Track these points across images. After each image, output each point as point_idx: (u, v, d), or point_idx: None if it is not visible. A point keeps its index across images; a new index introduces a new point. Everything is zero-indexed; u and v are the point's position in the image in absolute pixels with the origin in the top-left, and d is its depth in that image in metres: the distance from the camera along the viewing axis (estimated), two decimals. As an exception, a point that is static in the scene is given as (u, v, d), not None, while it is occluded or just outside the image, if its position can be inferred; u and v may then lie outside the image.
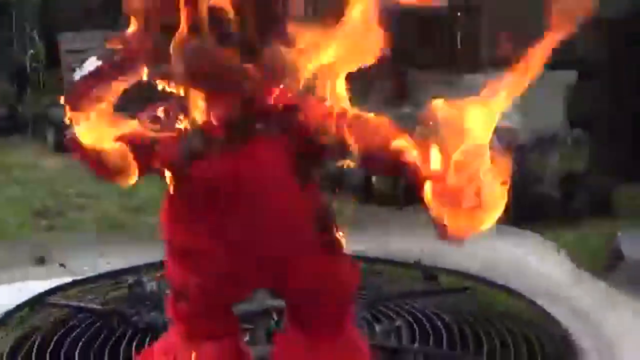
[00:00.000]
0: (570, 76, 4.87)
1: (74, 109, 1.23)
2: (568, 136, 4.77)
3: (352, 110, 1.31)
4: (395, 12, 1.32)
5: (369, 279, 1.98)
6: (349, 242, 1.43)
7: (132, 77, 1.24)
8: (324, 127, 1.27)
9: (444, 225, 1.24)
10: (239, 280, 1.42)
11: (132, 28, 1.25)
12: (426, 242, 1.97)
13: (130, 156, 1.27)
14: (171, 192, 1.35)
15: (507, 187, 1.26)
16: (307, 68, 1.25)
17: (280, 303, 1.61)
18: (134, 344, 1.75)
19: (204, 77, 1.24)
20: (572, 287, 2.06)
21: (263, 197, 1.33)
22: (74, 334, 1.82)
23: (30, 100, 7.02)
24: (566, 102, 4.88)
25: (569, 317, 1.87)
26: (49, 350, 1.74)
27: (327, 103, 1.29)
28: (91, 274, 2.21)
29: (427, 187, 1.24)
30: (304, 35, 1.25)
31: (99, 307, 1.97)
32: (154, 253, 1.89)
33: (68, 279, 2.17)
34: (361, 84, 1.39)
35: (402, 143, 1.28)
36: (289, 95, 1.29)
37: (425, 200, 1.24)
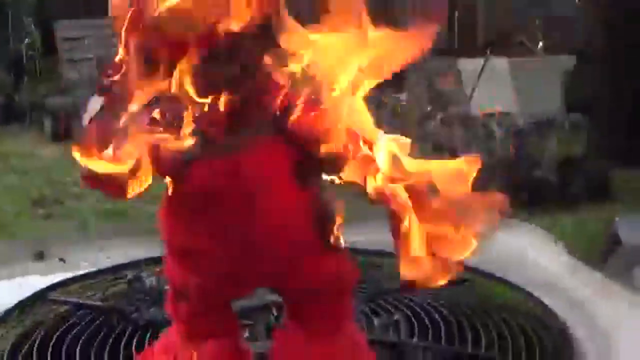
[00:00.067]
0: (568, 61, 4.86)
1: (89, 153, 1.23)
2: (566, 121, 4.78)
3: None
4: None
5: (368, 272, 1.99)
6: (348, 234, 1.44)
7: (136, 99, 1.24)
8: (322, 137, 1.27)
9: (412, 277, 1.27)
10: (239, 280, 1.42)
11: (121, 54, 1.25)
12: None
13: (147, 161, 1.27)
14: (170, 193, 1.36)
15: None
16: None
17: (279, 298, 1.62)
18: (134, 341, 1.76)
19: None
20: (569, 279, 2.07)
21: (263, 198, 1.34)
22: (74, 331, 1.82)
23: (27, 88, 7.02)
24: (564, 86, 4.89)
25: (565, 309, 1.88)
26: (49, 348, 1.75)
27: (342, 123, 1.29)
28: (91, 269, 2.22)
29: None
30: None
31: (98, 303, 1.98)
32: (154, 245, 1.89)
33: (68, 274, 2.18)
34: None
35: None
36: (291, 98, 1.29)
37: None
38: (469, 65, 5.20)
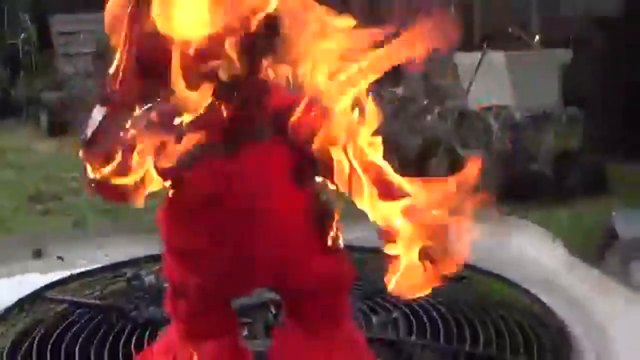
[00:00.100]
0: (565, 54, 4.86)
1: (96, 163, 1.23)
2: (562, 114, 4.78)
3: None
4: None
5: (366, 270, 1.99)
6: (345, 231, 1.45)
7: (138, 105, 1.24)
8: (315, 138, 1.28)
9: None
10: (239, 280, 1.43)
11: (117, 64, 1.25)
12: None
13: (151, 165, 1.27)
14: (170, 195, 1.36)
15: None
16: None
17: (278, 296, 1.63)
18: (134, 339, 1.76)
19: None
20: (566, 276, 2.08)
21: (262, 199, 1.35)
22: (73, 329, 1.83)
23: (23, 83, 7.01)
24: (561, 80, 4.88)
25: (562, 306, 1.89)
26: (49, 346, 1.75)
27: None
28: (90, 267, 2.22)
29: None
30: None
31: (97, 302, 1.98)
32: (153, 243, 1.89)
33: (66, 272, 2.18)
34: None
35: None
36: (287, 99, 1.30)
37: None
38: (465, 59, 5.20)
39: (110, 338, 1.78)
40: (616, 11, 4.52)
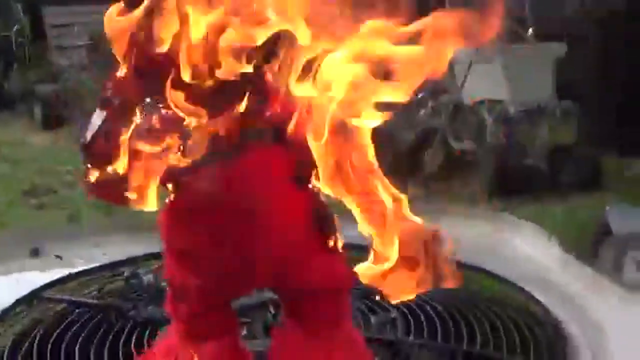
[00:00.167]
0: (559, 48, 4.85)
1: (96, 165, 1.24)
2: (557, 108, 4.78)
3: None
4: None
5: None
6: (343, 229, 1.46)
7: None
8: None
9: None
10: (239, 281, 1.44)
11: (123, 70, 1.26)
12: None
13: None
14: (171, 198, 1.38)
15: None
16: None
17: (277, 296, 1.64)
18: (133, 339, 1.78)
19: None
20: (560, 273, 2.10)
21: (262, 201, 1.36)
22: (73, 328, 1.84)
23: (16, 75, 6.98)
24: (555, 74, 4.88)
25: (557, 304, 1.91)
26: (49, 345, 1.76)
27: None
28: (88, 266, 2.22)
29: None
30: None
31: (96, 301, 1.99)
32: (150, 241, 1.90)
33: (65, 271, 2.18)
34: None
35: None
36: (285, 105, 1.31)
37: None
38: (459, 53, 5.19)
39: (110, 337, 1.79)
40: (614, 8, 4.52)
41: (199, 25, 1.19)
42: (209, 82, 1.22)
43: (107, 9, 1.27)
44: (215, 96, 1.23)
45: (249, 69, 1.22)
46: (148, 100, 1.25)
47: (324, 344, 1.48)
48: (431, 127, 4.91)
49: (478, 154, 4.80)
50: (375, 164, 1.33)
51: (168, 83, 1.20)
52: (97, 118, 1.26)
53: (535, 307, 1.92)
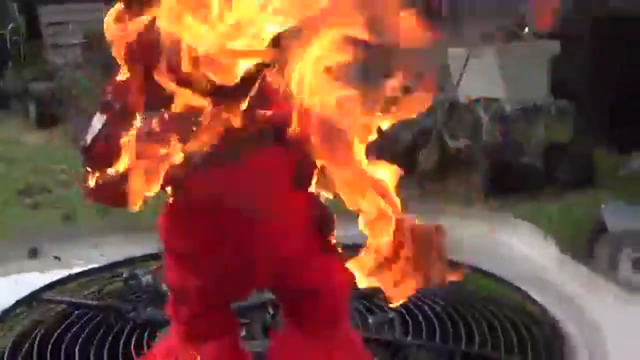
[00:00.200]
0: (554, 46, 4.86)
1: (96, 168, 1.24)
2: (552, 106, 4.79)
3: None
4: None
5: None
6: (342, 229, 1.47)
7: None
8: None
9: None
10: (239, 282, 1.45)
11: (124, 74, 1.26)
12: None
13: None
14: (171, 200, 1.38)
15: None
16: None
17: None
18: (133, 339, 1.78)
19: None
20: (556, 273, 2.11)
21: (262, 202, 1.36)
22: (73, 329, 1.84)
23: (11, 74, 6.95)
24: (550, 72, 4.89)
25: (554, 303, 1.92)
26: (49, 346, 1.77)
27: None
28: (86, 267, 2.23)
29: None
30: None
31: (96, 302, 1.99)
32: (148, 242, 1.91)
33: (64, 272, 2.19)
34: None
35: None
36: (285, 107, 1.31)
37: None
38: (455, 52, 5.20)
39: (110, 339, 1.80)
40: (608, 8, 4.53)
41: (200, 31, 1.19)
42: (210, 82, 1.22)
43: (102, 8, 1.28)
44: (220, 92, 1.24)
45: (250, 71, 1.22)
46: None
47: (322, 344, 1.49)
48: (427, 127, 4.92)
49: (474, 152, 4.80)
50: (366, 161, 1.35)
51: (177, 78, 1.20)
52: (98, 122, 1.27)
53: (532, 307, 1.93)
